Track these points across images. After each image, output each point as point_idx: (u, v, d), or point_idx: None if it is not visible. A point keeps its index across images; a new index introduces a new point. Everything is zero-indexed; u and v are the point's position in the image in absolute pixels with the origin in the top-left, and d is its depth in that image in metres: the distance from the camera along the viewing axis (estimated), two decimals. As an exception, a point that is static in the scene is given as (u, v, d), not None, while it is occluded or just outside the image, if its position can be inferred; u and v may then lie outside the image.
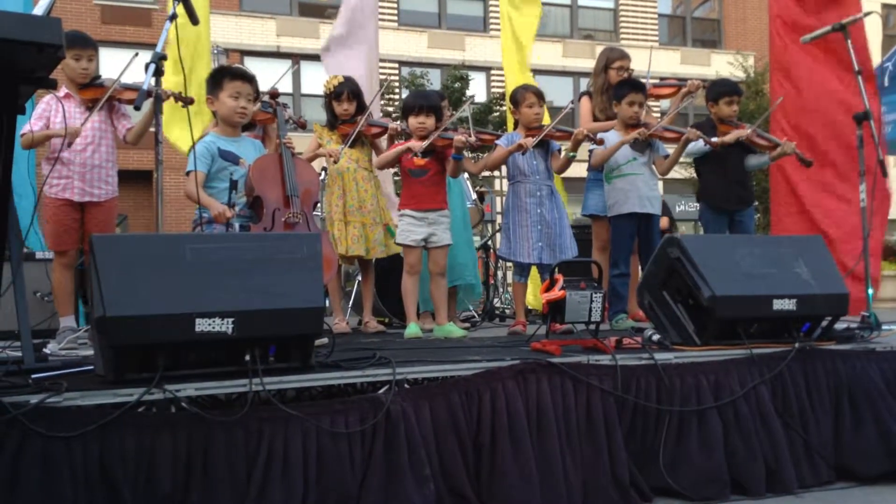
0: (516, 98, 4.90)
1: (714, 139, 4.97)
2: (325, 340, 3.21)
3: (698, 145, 4.95)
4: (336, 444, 2.55)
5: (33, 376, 2.55)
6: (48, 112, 4.28)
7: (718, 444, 3.04)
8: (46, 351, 3.64)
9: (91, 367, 2.78)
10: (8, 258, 2.88)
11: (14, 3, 5.34)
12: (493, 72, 21.73)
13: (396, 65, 21.16)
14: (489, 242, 7.63)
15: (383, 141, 5.05)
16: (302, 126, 4.86)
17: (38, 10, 3.28)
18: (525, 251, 4.66)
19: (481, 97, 20.20)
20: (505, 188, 5.11)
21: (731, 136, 5.03)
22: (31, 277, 4.67)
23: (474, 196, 7.19)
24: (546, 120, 4.83)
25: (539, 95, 4.84)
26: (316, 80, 9.50)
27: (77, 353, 3.78)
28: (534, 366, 2.91)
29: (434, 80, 19.90)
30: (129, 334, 2.40)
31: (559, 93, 20.13)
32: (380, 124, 5.07)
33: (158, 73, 3.59)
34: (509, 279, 7.23)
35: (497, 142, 4.81)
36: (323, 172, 5.72)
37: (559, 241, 4.69)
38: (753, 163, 5.23)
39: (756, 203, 6.44)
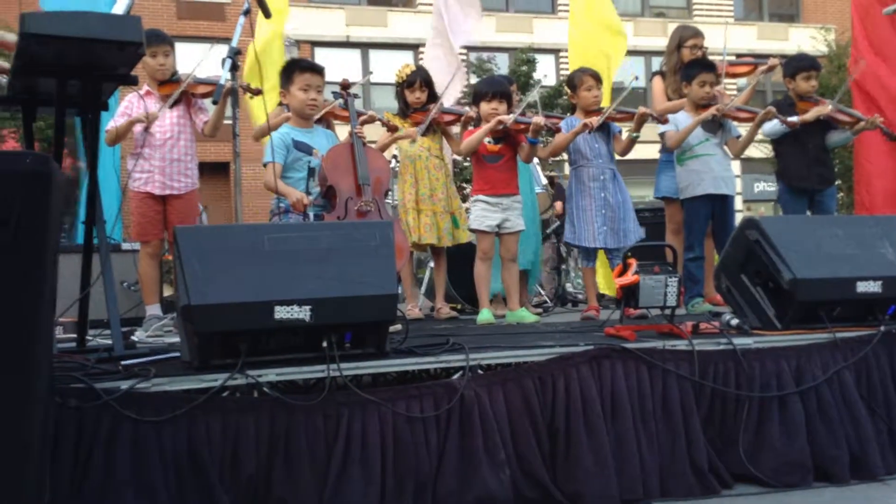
0: (574, 82, 4.86)
1: (792, 118, 4.80)
2: (398, 327, 3.26)
3: (776, 126, 4.79)
4: (412, 428, 2.60)
5: (123, 363, 2.66)
6: (129, 110, 4.45)
7: (801, 431, 2.97)
8: (134, 338, 3.79)
9: (177, 354, 2.88)
10: (97, 250, 3.02)
11: (105, 3, 5.51)
12: (561, 54, 21.45)
13: (465, 50, 21.10)
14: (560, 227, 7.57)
15: (456, 128, 5.05)
16: (393, 129, 4.80)
17: (118, 10, 3.40)
18: (590, 235, 4.63)
19: (550, 80, 19.94)
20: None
21: (811, 114, 4.84)
22: (118, 268, 4.84)
23: (544, 181, 7.14)
24: (605, 103, 4.76)
25: (596, 78, 4.79)
26: (386, 68, 9.56)
27: (163, 341, 3.93)
28: (608, 351, 2.90)
29: (501, 65, 19.75)
30: (212, 322, 2.48)
31: (630, 73, 19.74)
32: (454, 111, 5.05)
33: (234, 67, 3.69)
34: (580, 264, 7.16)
35: (559, 124, 4.77)
36: (394, 160, 5.76)
37: (623, 225, 4.64)
38: (835, 139, 5.04)
39: (838, 182, 6.21)
